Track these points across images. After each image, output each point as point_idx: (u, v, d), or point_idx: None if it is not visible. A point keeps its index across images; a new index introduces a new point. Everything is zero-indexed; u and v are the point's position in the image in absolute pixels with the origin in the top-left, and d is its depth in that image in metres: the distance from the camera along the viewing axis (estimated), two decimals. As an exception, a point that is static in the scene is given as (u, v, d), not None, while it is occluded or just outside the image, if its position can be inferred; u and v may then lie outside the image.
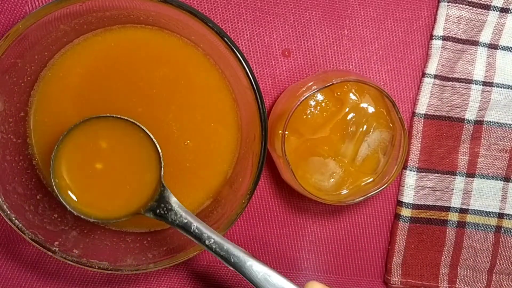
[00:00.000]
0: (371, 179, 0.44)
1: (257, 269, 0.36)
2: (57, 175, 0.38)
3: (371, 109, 0.44)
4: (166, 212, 0.38)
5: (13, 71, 0.39)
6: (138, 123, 0.38)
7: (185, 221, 0.38)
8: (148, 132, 0.38)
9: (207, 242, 0.37)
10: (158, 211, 0.38)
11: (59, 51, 0.41)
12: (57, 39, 0.40)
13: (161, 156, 0.38)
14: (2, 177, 0.39)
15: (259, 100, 0.38)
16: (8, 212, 0.38)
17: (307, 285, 0.38)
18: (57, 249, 0.39)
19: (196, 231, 0.38)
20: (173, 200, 0.38)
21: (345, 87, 0.43)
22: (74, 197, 0.39)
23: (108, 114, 0.38)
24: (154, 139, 0.38)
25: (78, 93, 0.42)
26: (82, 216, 0.38)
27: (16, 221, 0.38)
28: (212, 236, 0.37)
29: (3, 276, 0.46)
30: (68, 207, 0.38)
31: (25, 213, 0.39)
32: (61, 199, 0.38)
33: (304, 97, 0.41)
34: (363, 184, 0.44)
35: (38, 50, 0.40)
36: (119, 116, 0.38)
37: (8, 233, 0.46)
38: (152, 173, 0.39)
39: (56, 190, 0.38)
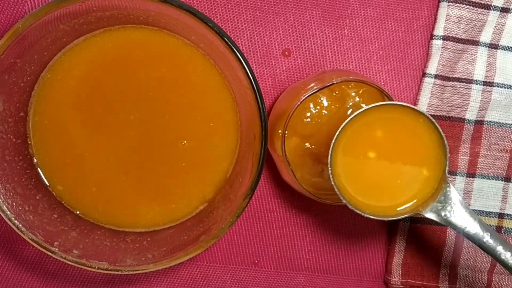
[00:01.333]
0: (372, 179, 0.44)
1: None
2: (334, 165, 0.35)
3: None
4: (453, 216, 0.34)
5: (13, 71, 0.39)
6: (422, 111, 0.34)
7: (473, 232, 0.34)
8: (434, 122, 0.34)
9: (502, 256, 0.33)
10: (443, 214, 0.34)
11: (59, 52, 0.41)
12: (56, 39, 0.40)
13: (447, 151, 0.34)
14: (1, 177, 0.39)
15: (259, 100, 0.38)
16: (8, 212, 0.38)
17: None
18: (56, 249, 0.39)
19: (490, 241, 0.34)
20: (460, 205, 0.34)
21: (345, 87, 0.43)
22: (352, 192, 0.36)
23: (391, 102, 0.35)
24: (441, 132, 0.34)
25: (76, 96, 0.41)
26: (358, 212, 0.35)
27: (15, 221, 0.38)
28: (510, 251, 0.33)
29: (3, 276, 0.46)
30: (343, 200, 0.35)
31: (25, 213, 0.39)
32: (337, 190, 0.35)
33: (304, 97, 0.41)
34: (363, 184, 0.44)
35: (37, 50, 0.40)
36: (400, 103, 0.35)
37: (8, 233, 0.46)
38: (432, 170, 0.35)
39: (334, 183, 0.35)
